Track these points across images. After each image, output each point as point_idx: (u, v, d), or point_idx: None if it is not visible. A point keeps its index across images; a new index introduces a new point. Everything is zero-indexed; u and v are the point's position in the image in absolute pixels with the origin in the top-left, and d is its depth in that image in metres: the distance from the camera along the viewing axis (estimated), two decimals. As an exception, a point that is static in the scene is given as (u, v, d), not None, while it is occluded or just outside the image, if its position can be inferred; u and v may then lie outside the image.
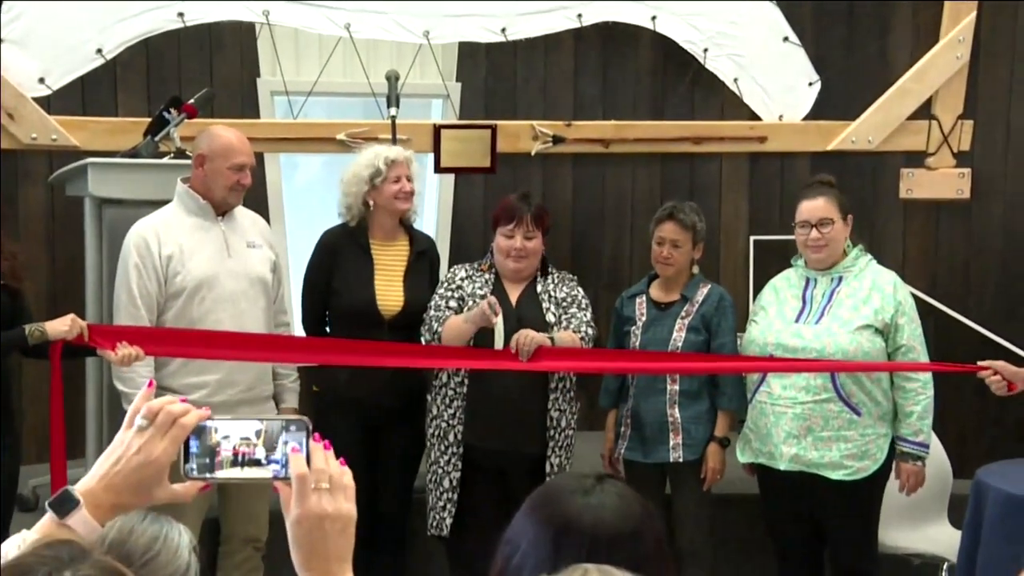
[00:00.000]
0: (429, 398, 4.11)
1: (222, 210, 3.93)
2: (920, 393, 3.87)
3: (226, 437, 1.41)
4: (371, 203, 4.15)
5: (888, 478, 3.94)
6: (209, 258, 3.88)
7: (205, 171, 3.90)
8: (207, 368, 3.87)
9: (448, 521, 3.99)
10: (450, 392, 4.01)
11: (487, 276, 4.11)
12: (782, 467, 3.88)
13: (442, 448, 4.02)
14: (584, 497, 1.51)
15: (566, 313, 4.04)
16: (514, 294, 4.09)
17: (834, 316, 3.89)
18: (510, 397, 3.95)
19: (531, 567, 1.46)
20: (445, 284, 4.13)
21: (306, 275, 4.28)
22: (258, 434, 1.40)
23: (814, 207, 3.95)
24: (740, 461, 4.07)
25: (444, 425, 4.02)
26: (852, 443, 3.84)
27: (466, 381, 3.99)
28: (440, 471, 4.02)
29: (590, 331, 4.05)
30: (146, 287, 3.83)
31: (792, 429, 3.86)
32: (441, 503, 4.01)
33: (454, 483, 4.00)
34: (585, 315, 4.07)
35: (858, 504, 3.91)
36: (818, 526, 4.00)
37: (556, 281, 4.14)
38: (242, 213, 4.05)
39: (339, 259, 4.18)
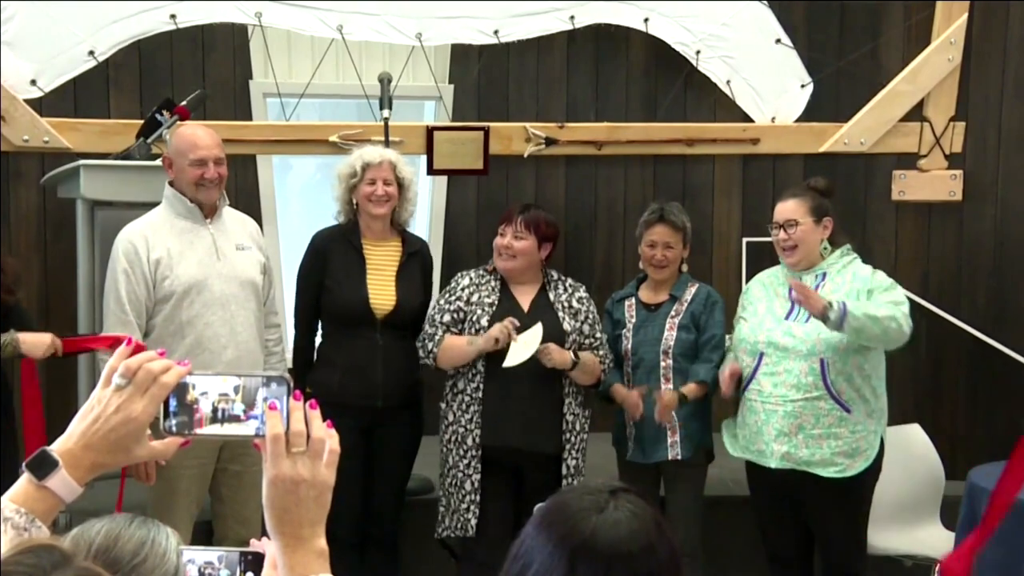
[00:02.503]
0: (443, 405, 4.12)
1: (210, 212, 3.93)
2: (893, 317, 3.75)
3: (204, 393, 1.38)
4: (356, 204, 4.17)
5: (878, 477, 3.95)
6: (198, 261, 3.86)
7: (175, 172, 3.89)
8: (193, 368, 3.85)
9: (473, 523, 4.00)
10: (466, 398, 4.03)
11: (493, 284, 4.12)
12: (773, 465, 3.88)
13: (460, 453, 4.03)
14: (599, 515, 1.48)
15: (583, 331, 4.07)
16: (525, 300, 4.11)
17: (821, 313, 3.88)
18: (525, 399, 3.99)
19: None
20: (447, 293, 4.14)
21: (299, 275, 4.28)
22: (236, 390, 1.38)
23: (783, 208, 3.98)
24: (731, 454, 4.08)
25: (461, 431, 4.03)
26: (843, 440, 3.84)
27: (481, 387, 4.01)
28: (460, 475, 4.03)
29: (609, 356, 4.14)
30: (135, 292, 3.81)
31: (783, 427, 3.86)
32: (464, 505, 4.02)
33: (475, 485, 4.01)
34: (603, 336, 4.14)
35: (847, 502, 3.91)
36: (808, 525, 4.00)
37: (569, 290, 4.16)
38: (231, 215, 4.04)
39: (331, 258, 4.17)
